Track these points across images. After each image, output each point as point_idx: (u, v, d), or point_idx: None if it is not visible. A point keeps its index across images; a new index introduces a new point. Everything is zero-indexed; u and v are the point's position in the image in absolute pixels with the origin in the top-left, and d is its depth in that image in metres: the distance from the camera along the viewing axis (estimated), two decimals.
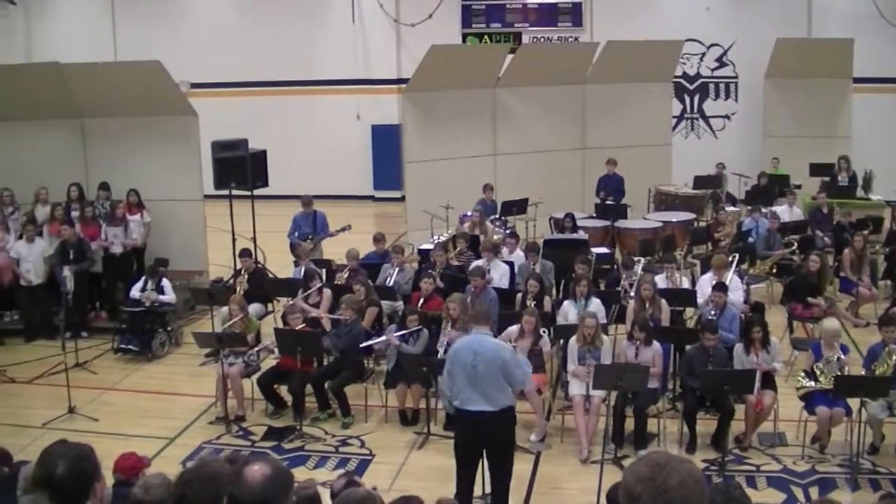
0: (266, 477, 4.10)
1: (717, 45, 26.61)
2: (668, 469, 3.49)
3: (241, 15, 28.93)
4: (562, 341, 12.96)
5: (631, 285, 14.51)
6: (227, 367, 13.05)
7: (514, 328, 12.49)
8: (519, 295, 14.28)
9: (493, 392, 9.43)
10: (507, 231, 18.07)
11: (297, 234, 17.92)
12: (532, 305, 13.47)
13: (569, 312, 13.56)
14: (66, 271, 15.18)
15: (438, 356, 12.41)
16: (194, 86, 27.30)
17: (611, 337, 13.25)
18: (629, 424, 11.86)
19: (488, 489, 9.90)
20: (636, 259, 15.87)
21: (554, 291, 15.74)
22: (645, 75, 21.68)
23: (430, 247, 16.98)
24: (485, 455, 9.70)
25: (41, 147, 18.06)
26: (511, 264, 15.83)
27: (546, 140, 21.77)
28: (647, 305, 13.34)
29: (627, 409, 11.81)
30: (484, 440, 9.60)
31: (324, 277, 15.91)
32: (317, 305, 14.65)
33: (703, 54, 26.74)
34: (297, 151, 27.20)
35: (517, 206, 19.79)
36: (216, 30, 28.83)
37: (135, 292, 15.89)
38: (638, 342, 12.05)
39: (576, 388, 12.07)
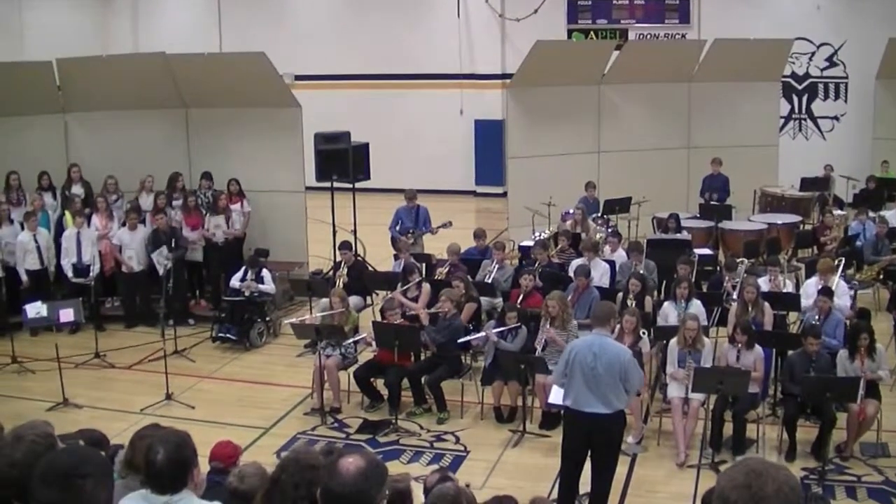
0: (360, 469, 4.13)
1: (827, 44, 26.13)
2: (765, 476, 3.44)
3: (345, 8, 29.16)
4: (662, 342, 12.86)
5: (734, 287, 14.34)
6: (324, 358, 13.18)
7: None
8: (619, 294, 14.21)
9: (610, 395, 9.45)
10: (609, 230, 17.97)
11: (398, 227, 18.04)
12: (633, 305, 13.40)
13: (669, 314, 13.46)
14: (159, 255, 15.57)
15: (536, 354, 12.42)
16: (298, 78, 27.56)
17: (712, 340, 13.06)
18: (728, 429, 11.73)
19: (583, 490, 9.92)
20: (740, 261, 15.68)
21: (656, 292, 15.63)
22: (753, 74, 21.36)
23: (531, 244, 16.96)
24: (590, 456, 9.72)
25: (146, 136, 18.37)
26: (612, 263, 15.75)
27: (651, 138, 21.60)
28: (750, 308, 13.17)
29: (726, 414, 11.69)
30: (594, 442, 9.62)
31: (423, 272, 16.05)
32: (415, 300, 14.71)
33: (813, 54, 26.29)
34: (399, 145, 27.35)
35: (620, 205, 19.66)
36: (321, 22, 29.13)
37: (234, 282, 16.07)
38: (739, 346, 11.90)
39: (674, 391, 11.96)
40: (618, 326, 12.12)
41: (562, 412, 10.28)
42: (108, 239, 16.91)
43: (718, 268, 16.36)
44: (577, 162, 20.98)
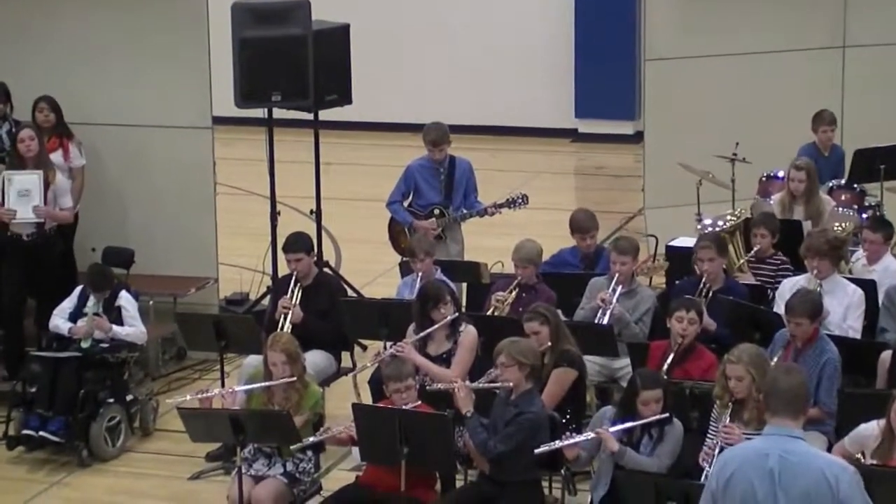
0: None
1: None
2: None
3: None
4: None
5: None
6: (249, 482, 13.14)
7: (869, 427, 12.28)
8: (884, 354, 14.07)
9: None
10: (865, 215, 17.90)
11: (410, 203, 18.13)
12: None
13: None
14: None
15: (703, 479, 12.25)
16: None
17: None
18: None
19: None
20: None
21: None
22: None
23: (695, 241, 16.82)
24: None
25: None
26: (869, 287, 15.66)
27: None
28: None
29: None
30: None
31: (463, 301, 16.07)
32: (446, 359, 14.69)
33: None
34: (416, 35, 27.46)
35: (889, 161, 19.63)
36: None
37: (60, 320, 16.13)
38: None
39: None
40: (877, 424, 11.96)
41: None
42: None
43: None
44: (795, 70, 21.10)
